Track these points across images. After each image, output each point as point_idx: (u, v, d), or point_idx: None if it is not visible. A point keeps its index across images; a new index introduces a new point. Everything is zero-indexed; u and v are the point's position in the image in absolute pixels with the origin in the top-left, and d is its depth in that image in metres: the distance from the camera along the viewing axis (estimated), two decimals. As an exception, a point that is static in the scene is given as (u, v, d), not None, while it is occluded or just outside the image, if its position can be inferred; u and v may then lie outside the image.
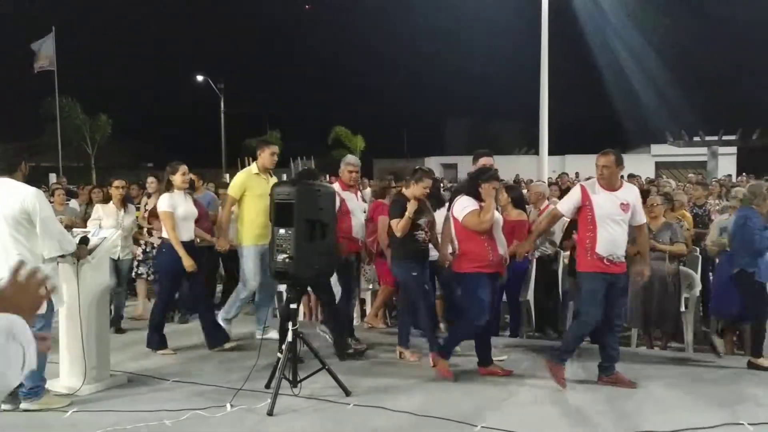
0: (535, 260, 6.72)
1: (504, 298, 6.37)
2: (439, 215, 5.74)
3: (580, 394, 4.77)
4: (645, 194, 6.31)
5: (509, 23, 31.25)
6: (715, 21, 36.95)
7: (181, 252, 5.70)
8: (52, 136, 29.83)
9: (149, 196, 7.92)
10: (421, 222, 5.42)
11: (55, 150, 29.16)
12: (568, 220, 5.73)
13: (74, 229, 5.63)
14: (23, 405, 4.40)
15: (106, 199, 7.10)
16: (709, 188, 9.92)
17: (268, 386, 4.72)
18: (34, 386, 4.39)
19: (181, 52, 52.81)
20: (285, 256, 4.60)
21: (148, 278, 7.56)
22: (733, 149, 29.33)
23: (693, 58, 36.26)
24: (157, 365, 5.56)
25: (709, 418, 4.23)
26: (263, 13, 60.42)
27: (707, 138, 26.79)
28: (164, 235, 5.84)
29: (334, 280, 5.92)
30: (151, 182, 7.92)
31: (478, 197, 5.08)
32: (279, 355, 4.76)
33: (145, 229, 7.39)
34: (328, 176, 9.73)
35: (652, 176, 22.30)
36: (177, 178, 5.86)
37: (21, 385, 4.24)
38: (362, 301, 7.28)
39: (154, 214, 7.15)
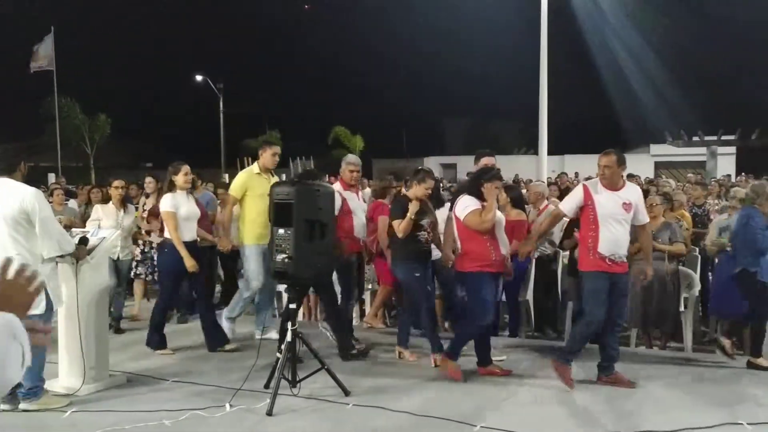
0: (534, 260, 6.72)
1: (503, 297, 6.37)
2: (439, 215, 5.74)
3: (580, 394, 4.77)
4: (644, 194, 6.30)
5: (508, 23, 31.28)
6: (714, 21, 36.98)
7: (183, 252, 5.70)
8: (51, 136, 29.85)
9: (147, 196, 7.92)
10: (423, 223, 5.42)
11: (54, 150, 29.17)
12: (568, 219, 5.73)
13: (73, 229, 5.63)
14: (22, 405, 4.40)
15: (106, 200, 7.08)
16: (708, 188, 9.93)
17: (267, 386, 4.72)
18: (33, 386, 4.39)
19: (181, 52, 52.82)
20: (284, 256, 4.60)
21: (146, 278, 7.55)
22: (732, 149, 29.35)
23: (692, 58, 36.28)
24: (156, 365, 5.55)
25: (709, 417, 4.23)
26: (263, 13, 60.42)
27: (706, 138, 26.80)
28: (166, 234, 5.84)
29: (333, 279, 5.93)
30: (149, 182, 7.91)
31: (480, 197, 5.09)
32: (278, 355, 4.76)
33: (144, 230, 7.39)
34: (328, 176, 9.74)
35: (652, 176, 22.32)
36: (179, 178, 5.86)
37: (20, 385, 4.24)
38: (361, 301, 7.28)
39: (153, 214, 7.15)
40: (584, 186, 5.03)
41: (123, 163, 39.28)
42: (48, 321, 4.37)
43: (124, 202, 6.96)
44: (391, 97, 47.88)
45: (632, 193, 4.96)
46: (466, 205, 5.11)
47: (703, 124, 27.81)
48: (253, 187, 6.08)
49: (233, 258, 7.71)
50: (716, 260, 6.50)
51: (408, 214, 5.28)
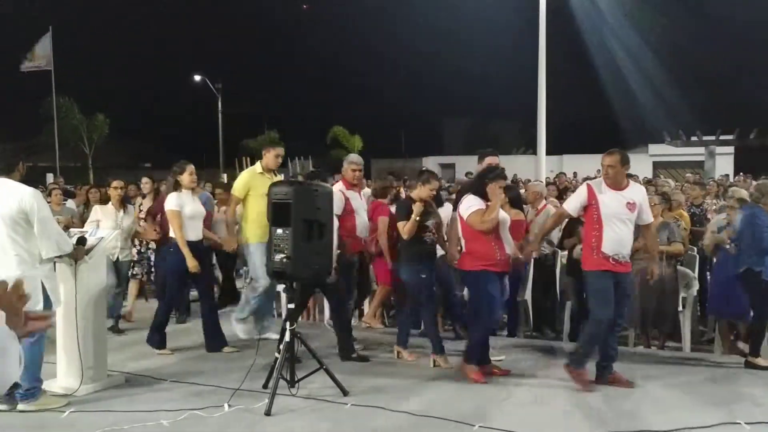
0: (532, 260, 6.72)
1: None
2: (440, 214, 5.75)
3: (579, 393, 4.77)
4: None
5: (507, 23, 31.25)
6: (713, 21, 37.00)
7: (186, 252, 5.69)
8: (49, 136, 29.82)
9: (144, 196, 7.91)
10: (428, 224, 5.43)
11: (53, 150, 29.15)
12: (567, 219, 5.74)
13: (71, 230, 5.62)
14: (20, 406, 4.40)
15: (104, 200, 7.07)
16: (706, 188, 9.95)
17: (265, 386, 4.72)
18: (31, 387, 4.39)
19: (180, 51, 52.75)
20: (283, 256, 4.59)
21: (142, 278, 7.54)
22: (731, 149, 29.35)
23: (690, 58, 36.29)
24: (155, 365, 5.55)
25: (707, 417, 4.23)
26: (262, 13, 60.36)
27: (704, 138, 26.80)
28: (171, 234, 5.83)
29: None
30: (145, 183, 7.90)
31: (484, 196, 5.09)
32: (277, 355, 4.76)
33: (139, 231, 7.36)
34: (332, 176, 9.66)
35: (650, 176, 22.33)
36: (185, 178, 5.86)
37: (18, 386, 4.23)
38: (360, 301, 7.27)
39: (150, 214, 7.14)
40: (588, 185, 5.03)
41: (121, 163, 39.25)
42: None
43: (124, 202, 6.94)
44: (390, 97, 47.88)
45: (636, 192, 4.96)
46: (470, 204, 5.12)
47: (702, 124, 27.81)
48: (255, 186, 6.08)
49: (232, 258, 7.71)
50: (714, 260, 6.50)
51: (413, 216, 5.29)
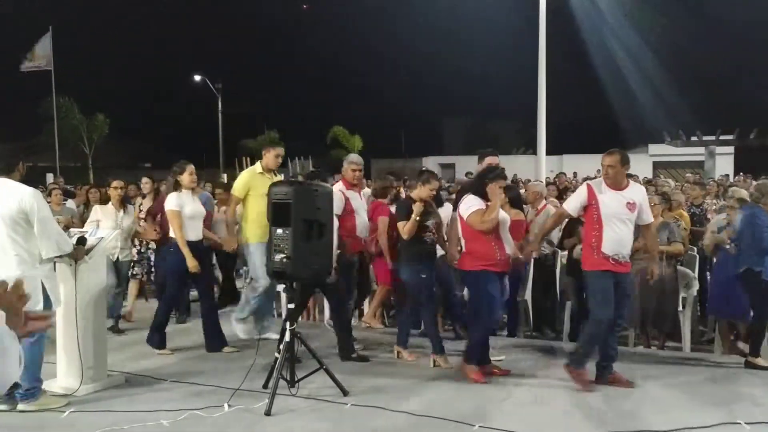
0: (532, 260, 6.72)
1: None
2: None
3: (578, 393, 4.77)
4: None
5: (507, 23, 31.27)
6: (712, 21, 36.99)
7: (186, 252, 5.69)
8: (49, 136, 29.83)
9: (144, 196, 7.91)
10: (428, 224, 5.43)
11: (53, 150, 29.15)
12: (566, 219, 5.74)
13: (71, 230, 5.62)
14: (20, 406, 4.40)
15: (104, 200, 7.07)
16: (706, 188, 9.95)
17: (265, 386, 4.72)
18: (31, 387, 4.39)
19: (180, 52, 52.73)
20: (282, 256, 4.60)
21: (143, 278, 7.54)
22: (731, 149, 29.36)
23: (690, 58, 36.28)
24: (154, 365, 5.55)
25: (707, 417, 4.24)
26: (262, 13, 60.37)
27: (704, 138, 26.81)
28: (171, 234, 5.84)
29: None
30: (145, 183, 7.89)
31: (484, 196, 5.09)
32: (277, 355, 4.76)
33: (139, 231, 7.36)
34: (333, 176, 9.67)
35: (650, 176, 22.34)
36: (185, 178, 5.86)
37: (18, 386, 4.23)
38: (360, 301, 7.27)
39: (150, 214, 7.14)
40: (588, 185, 5.03)
41: (121, 163, 39.25)
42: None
43: (124, 202, 6.94)
44: (390, 97, 47.86)
45: (636, 192, 4.96)
46: (470, 204, 5.12)
47: (702, 124, 27.81)
48: (255, 186, 6.08)
49: (232, 258, 7.71)
50: (714, 260, 6.50)
51: (413, 216, 5.29)
